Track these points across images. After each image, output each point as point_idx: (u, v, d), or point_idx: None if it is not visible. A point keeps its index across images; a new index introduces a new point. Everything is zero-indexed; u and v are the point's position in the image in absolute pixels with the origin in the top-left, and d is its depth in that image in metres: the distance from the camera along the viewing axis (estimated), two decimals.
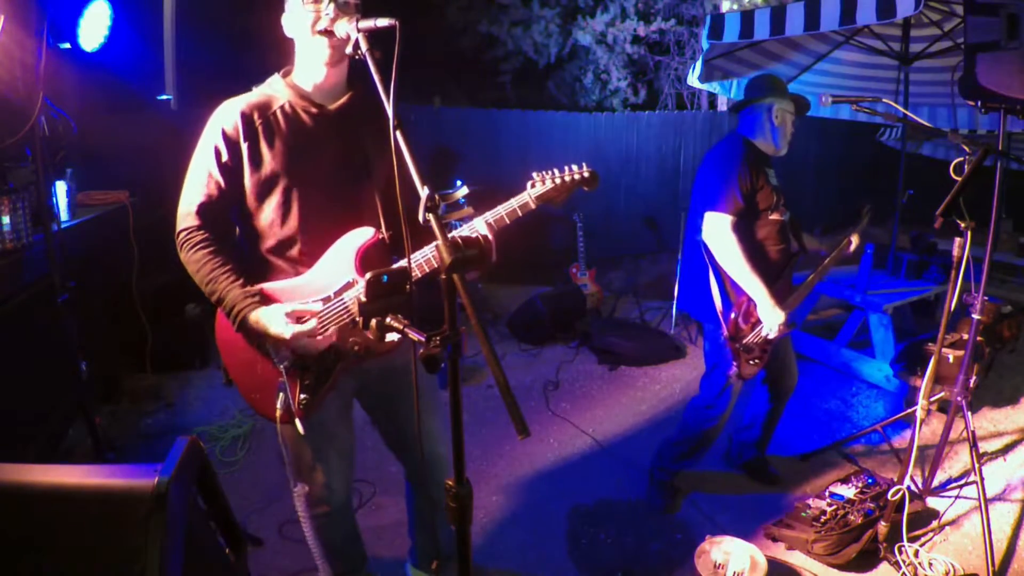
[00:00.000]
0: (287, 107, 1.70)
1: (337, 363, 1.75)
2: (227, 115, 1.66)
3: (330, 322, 1.68)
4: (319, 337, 1.66)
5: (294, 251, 1.73)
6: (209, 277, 1.64)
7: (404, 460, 2.14)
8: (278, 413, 1.69)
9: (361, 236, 1.71)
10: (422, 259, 1.67)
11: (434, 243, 1.30)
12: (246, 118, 1.66)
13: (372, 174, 1.79)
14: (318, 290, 1.69)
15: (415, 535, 2.31)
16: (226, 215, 1.73)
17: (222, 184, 1.67)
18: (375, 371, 1.89)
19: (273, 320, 1.60)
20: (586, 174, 1.73)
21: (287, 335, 1.59)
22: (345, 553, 2.09)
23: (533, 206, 1.69)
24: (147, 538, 1.04)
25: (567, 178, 1.71)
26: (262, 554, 2.52)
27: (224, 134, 1.65)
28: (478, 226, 1.68)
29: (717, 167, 2.55)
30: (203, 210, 1.67)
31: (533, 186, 1.69)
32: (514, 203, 1.68)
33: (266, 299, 1.66)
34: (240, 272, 1.68)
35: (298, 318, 1.62)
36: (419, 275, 1.67)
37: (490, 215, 1.68)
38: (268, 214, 1.71)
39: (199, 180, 1.67)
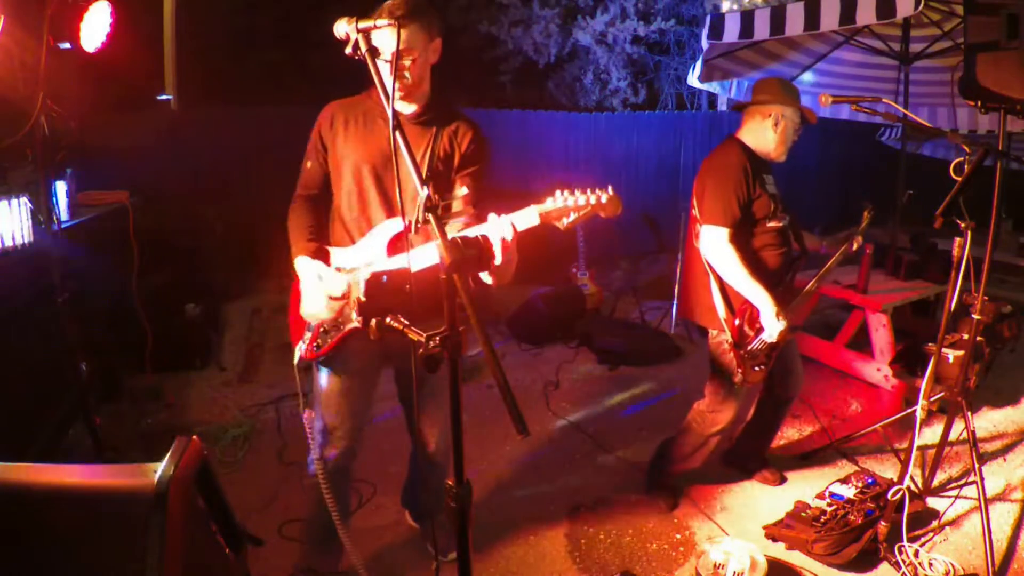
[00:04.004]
0: (369, 112, 1.97)
1: (344, 324, 1.95)
2: (324, 112, 2.02)
3: (353, 286, 1.89)
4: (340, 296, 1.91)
5: (353, 226, 2.01)
6: (292, 231, 2.01)
7: (408, 424, 2.34)
8: (298, 349, 2.01)
9: (394, 226, 1.90)
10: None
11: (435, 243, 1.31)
12: (333, 116, 1.99)
13: (422, 173, 1.85)
14: (354, 260, 1.94)
15: (407, 478, 2.65)
16: (321, 189, 2.08)
17: (315, 167, 2.05)
18: (398, 353, 2.08)
19: (305, 271, 1.91)
20: (603, 199, 1.46)
21: (305, 285, 1.91)
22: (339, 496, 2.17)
23: (537, 222, 1.55)
24: (147, 538, 1.04)
25: (580, 200, 1.48)
26: (262, 554, 2.52)
27: (319, 126, 2.01)
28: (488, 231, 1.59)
29: (713, 177, 2.52)
30: (303, 183, 2.08)
31: (542, 203, 1.53)
32: (520, 218, 1.57)
33: (319, 253, 1.96)
34: (315, 232, 2.00)
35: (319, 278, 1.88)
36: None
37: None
38: (340, 193, 2.02)
39: (305, 162, 2.07)
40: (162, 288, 4.08)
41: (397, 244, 1.87)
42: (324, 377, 2.08)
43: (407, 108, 1.95)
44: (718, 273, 2.51)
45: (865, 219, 2.83)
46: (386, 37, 1.68)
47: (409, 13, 1.75)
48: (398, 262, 1.82)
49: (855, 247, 2.78)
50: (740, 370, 2.51)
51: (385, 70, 1.68)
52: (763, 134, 2.58)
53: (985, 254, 2.51)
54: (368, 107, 1.97)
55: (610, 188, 1.49)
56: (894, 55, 4.50)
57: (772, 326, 2.44)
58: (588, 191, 1.49)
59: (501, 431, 3.50)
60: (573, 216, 1.50)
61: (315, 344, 2.00)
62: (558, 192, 1.51)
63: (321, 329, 1.99)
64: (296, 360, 2.01)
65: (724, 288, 2.53)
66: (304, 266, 1.92)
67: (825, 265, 2.74)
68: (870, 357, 4.07)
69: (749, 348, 2.51)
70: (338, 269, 1.94)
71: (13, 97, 2.63)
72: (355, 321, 1.88)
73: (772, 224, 2.55)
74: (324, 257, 1.96)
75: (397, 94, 1.82)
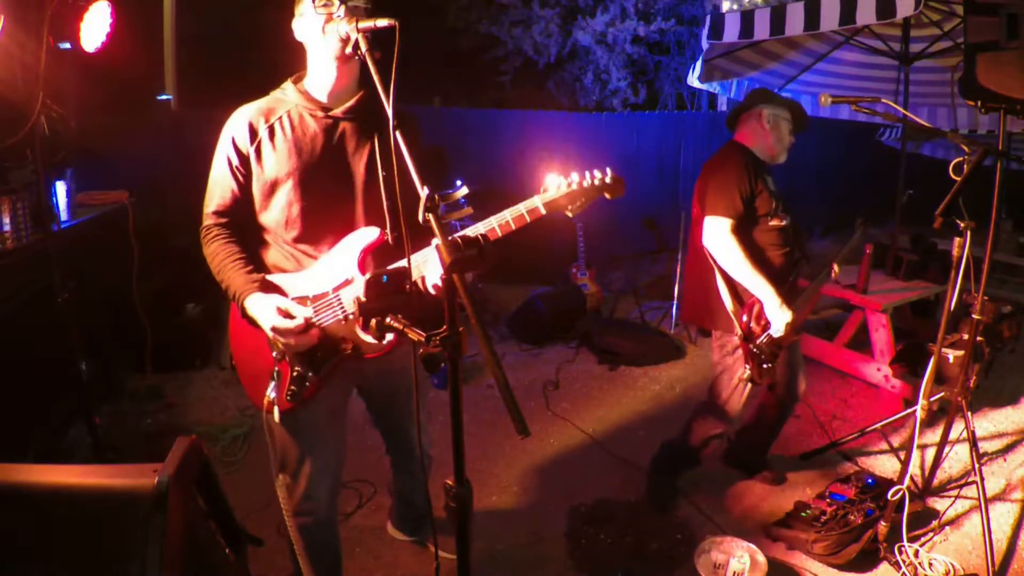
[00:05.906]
0: (293, 111, 1.75)
1: (327, 360, 1.75)
2: (236, 123, 1.75)
3: (322, 317, 1.71)
4: (306, 332, 1.67)
5: (299, 249, 1.79)
6: (220, 266, 1.73)
7: (390, 445, 2.31)
8: (265, 401, 1.72)
9: (367, 235, 1.74)
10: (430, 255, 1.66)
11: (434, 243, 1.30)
12: (252, 125, 1.73)
13: (378, 175, 1.78)
14: (318, 284, 1.73)
15: (394, 501, 2.58)
16: (243, 214, 1.80)
17: (235, 189, 1.76)
18: (373, 373, 1.93)
19: (262, 310, 1.65)
20: (608, 180, 1.57)
21: (267, 327, 1.64)
22: (321, 570, 2.05)
23: (543, 212, 1.58)
24: (147, 538, 1.04)
25: (585, 184, 1.55)
26: (262, 554, 2.52)
27: (234, 141, 1.73)
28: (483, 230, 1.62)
29: (715, 174, 2.55)
30: (220, 211, 1.79)
31: (545, 191, 1.58)
32: (522, 208, 1.58)
33: (267, 286, 1.71)
34: (250, 262, 1.75)
35: (286, 314, 1.65)
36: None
37: (495, 220, 1.60)
38: (274, 213, 1.76)
39: (215, 185, 1.78)
40: (162, 288, 4.07)
41: (371, 256, 1.73)
42: (287, 433, 1.81)
43: (347, 101, 1.76)
44: (721, 267, 2.52)
45: (858, 231, 2.85)
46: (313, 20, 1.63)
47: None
48: None
49: (834, 275, 2.80)
50: (748, 366, 2.51)
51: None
52: (759, 134, 2.63)
53: (985, 254, 2.51)
54: (290, 108, 1.74)
55: (608, 170, 1.58)
56: (894, 55, 4.50)
57: (777, 317, 2.45)
58: (587, 174, 1.57)
59: (501, 431, 3.50)
60: (581, 201, 1.57)
61: (290, 391, 1.72)
62: (553, 179, 1.58)
63: (295, 372, 1.72)
64: (278, 418, 1.69)
65: (730, 283, 2.53)
66: (260, 304, 1.64)
67: (822, 271, 2.76)
68: (870, 357, 4.07)
69: (757, 344, 2.51)
70: (298, 300, 1.70)
71: (13, 97, 2.64)
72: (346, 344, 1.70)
73: (773, 223, 2.56)
74: (274, 290, 1.72)
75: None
